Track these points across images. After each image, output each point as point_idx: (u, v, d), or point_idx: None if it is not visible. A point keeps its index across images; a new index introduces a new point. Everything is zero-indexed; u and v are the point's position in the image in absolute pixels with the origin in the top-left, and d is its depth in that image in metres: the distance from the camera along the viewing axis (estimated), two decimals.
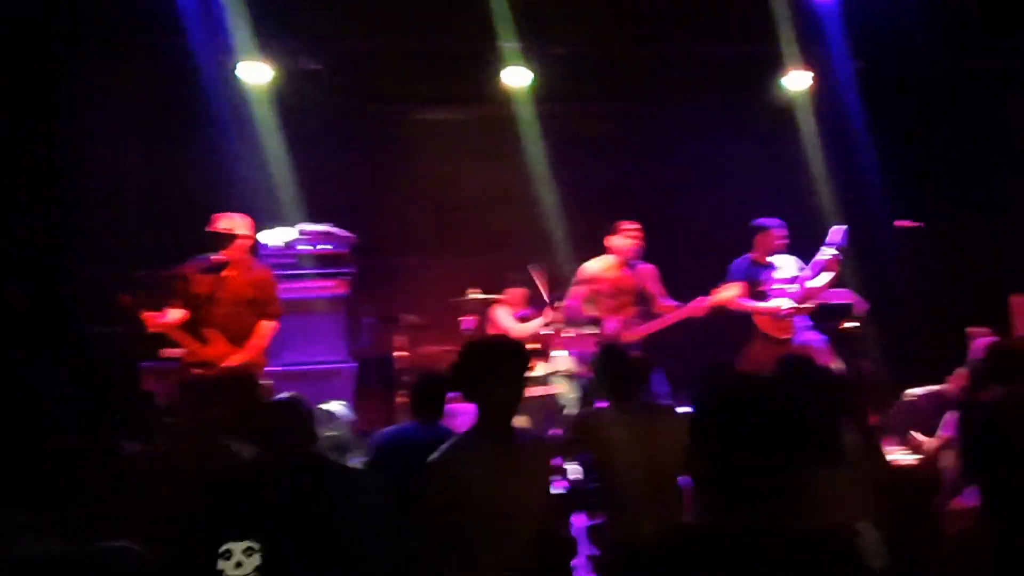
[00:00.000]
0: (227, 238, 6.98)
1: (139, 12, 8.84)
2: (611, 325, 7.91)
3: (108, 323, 7.70)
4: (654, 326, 8.00)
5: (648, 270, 8.17)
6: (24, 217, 7.98)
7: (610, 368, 5.33)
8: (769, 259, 8.27)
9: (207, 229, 7.01)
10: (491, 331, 9.39)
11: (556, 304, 8.42)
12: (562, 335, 8.30)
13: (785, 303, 8.10)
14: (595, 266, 8.07)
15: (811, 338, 8.14)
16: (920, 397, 7.59)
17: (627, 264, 8.07)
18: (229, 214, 7.08)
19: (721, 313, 8.19)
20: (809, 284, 8.18)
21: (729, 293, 7.93)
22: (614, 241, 8.05)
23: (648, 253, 8.19)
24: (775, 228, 8.28)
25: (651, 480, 4.78)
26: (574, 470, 5.61)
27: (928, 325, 9.15)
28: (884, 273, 9.52)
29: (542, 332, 8.71)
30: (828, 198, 9.80)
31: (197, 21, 8.65)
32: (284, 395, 4.50)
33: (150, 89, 9.60)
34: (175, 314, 6.89)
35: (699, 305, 7.88)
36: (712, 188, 10.59)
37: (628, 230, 8.04)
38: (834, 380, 4.79)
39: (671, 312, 8.00)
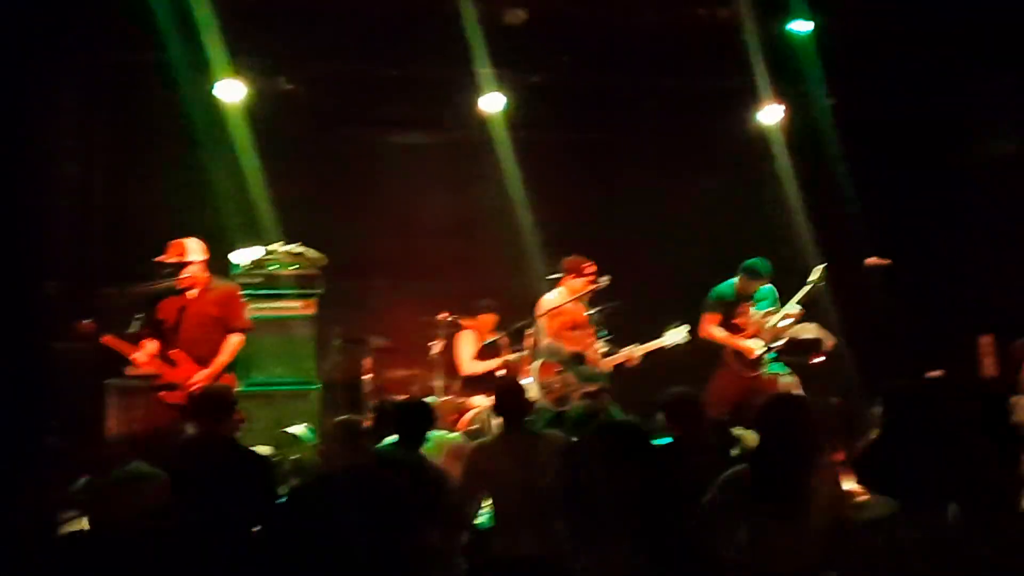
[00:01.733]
0: (179, 267, 6.99)
1: (114, 28, 8.79)
2: (591, 359, 7.92)
3: (72, 340, 7.62)
4: (616, 360, 8.03)
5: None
6: None
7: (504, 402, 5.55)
8: (750, 292, 8.26)
9: (156, 260, 7.01)
10: (454, 357, 9.35)
11: (528, 332, 8.39)
12: (531, 364, 8.26)
13: (758, 346, 8.09)
14: (553, 300, 8.04)
15: (777, 372, 8.14)
16: None
17: (580, 299, 8.08)
18: (179, 241, 7.07)
19: (695, 342, 8.23)
20: (781, 323, 8.17)
21: (672, 339, 7.97)
22: (574, 282, 8.04)
23: (619, 283, 8.18)
24: (763, 277, 8.23)
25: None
26: None
27: (900, 362, 9.20)
28: (855, 309, 9.57)
29: (510, 359, 8.68)
30: (801, 232, 9.86)
31: (174, 38, 8.60)
32: (343, 417, 4.91)
33: (122, 105, 9.53)
34: (151, 347, 6.89)
35: (630, 357, 7.96)
36: (684, 220, 10.61)
37: (588, 271, 8.05)
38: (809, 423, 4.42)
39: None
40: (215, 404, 5.40)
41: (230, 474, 5.03)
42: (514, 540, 4.98)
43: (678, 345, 8.12)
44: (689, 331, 8.17)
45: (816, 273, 8.22)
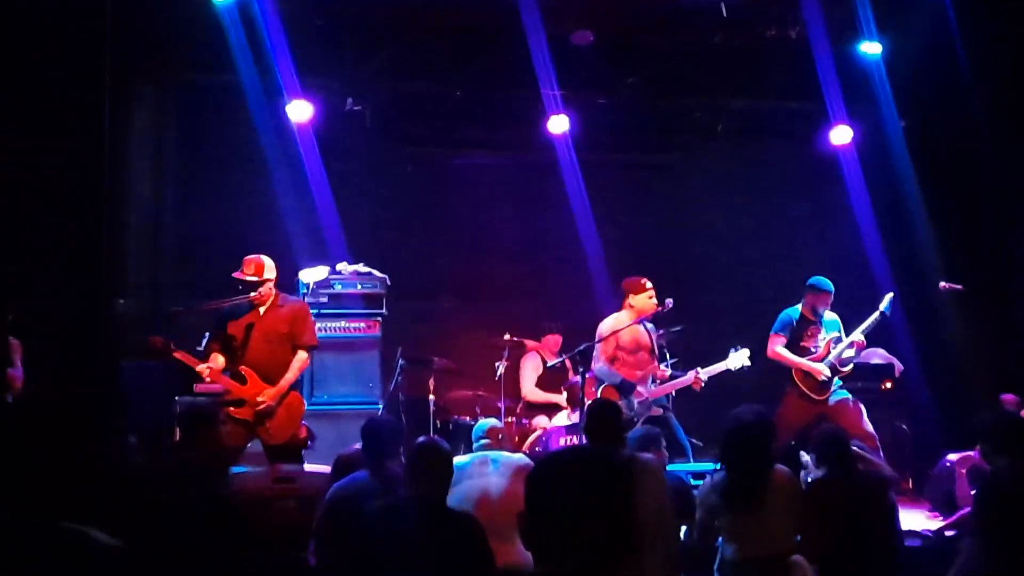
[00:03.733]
0: (254, 284, 7.03)
1: (187, 49, 8.95)
2: (643, 390, 7.80)
3: (142, 356, 7.72)
4: (668, 388, 7.91)
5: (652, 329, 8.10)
6: (63, 248, 8.03)
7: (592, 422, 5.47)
8: (817, 316, 8.11)
9: (234, 275, 7.06)
10: (520, 378, 9.35)
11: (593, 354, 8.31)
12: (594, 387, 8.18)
13: (826, 369, 7.94)
14: (613, 324, 7.93)
15: (846, 399, 7.97)
16: (955, 462, 7.47)
17: (642, 321, 7.96)
18: (257, 258, 7.11)
19: (760, 366, 8.12)
20: (845, 352, 8.00)
21: (738, 362, 7.87)
22: (637, 300, 7.93)
23: (685, 306, 8.09)
24: (826, 291, 8.10)
25: None
26: None
27: (975, 387, 9.02)
28: (930, 333, 9.39)
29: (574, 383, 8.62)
30: (871, 255, 9.71)
31: (245, 59, 8.73)
32: (423, 439, 4.68)
33: (193, 125, 9.69)
34: (220, 360, 6.94)
35: (696, 379, 7.84)
36: (752, 242, 10.52)
37: (649, 288, 7.94)
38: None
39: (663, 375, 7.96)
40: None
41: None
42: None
43: (742, 368, 7.98)
44: (750, 356, 8.02)
45: (884, 303, 8.04)
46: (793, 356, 8.01)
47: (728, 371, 7.96)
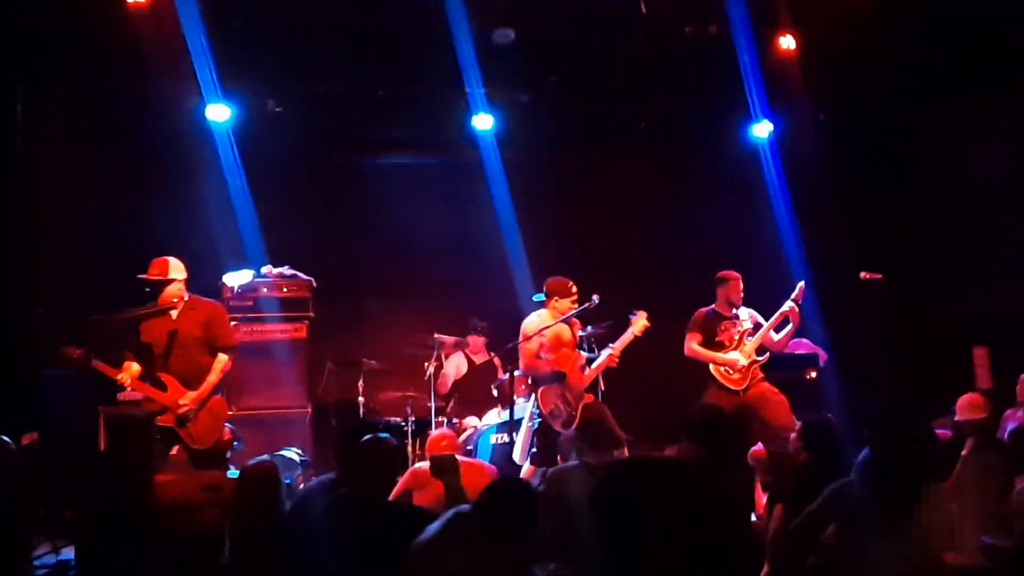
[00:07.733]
0: (160, 284, 6.91)
1: (103, 52, 8.78)
2: (575, 378, 7.77)
3: (62, 366, 7.57)
4: (596, 371, 7.88)
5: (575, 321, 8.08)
6: None
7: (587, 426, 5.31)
8: (732, 310, 8.21)
9: (139, 276, 6.94)
10: (444, 377, 9.33)
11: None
12: (526, 384, 8.16)
13: (741, 358, 8.04)
14: (536, 322, 7.88)
15: (767, 390, 8.06)
16: None
17: (567, 317, 7.93)
18: (162, 259, 6.99)
19: (684, 362, 8.18)
20: (768, 336, 8.13)
21: (639, 325, 7.86)
22: (561, 304, 7.86)
23: (610, 301, 8.10)
24: (735, 280, 8.23)
25: None
26: None
27: (893, 376, 9.19)
28: (847, 323, 9.54)
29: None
30: (791, 248, 9.84)
31: (163, 62, 8.60)
32: (369, 436, 4.50)
33: (111, 130, 9.52)
34: (134, 368, 6.80)
35: (612, 357, 7.82)
36: (675, 236, 10.61)
37: (574, 293, 7.88)
38: None
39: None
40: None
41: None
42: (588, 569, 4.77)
43: (645, 330, 7.93)
44: (648, 317, 7.99)
45: (798, 290, 8.12)
46: (707, 352, 8.11)
47: (636, 338, 7.90)
